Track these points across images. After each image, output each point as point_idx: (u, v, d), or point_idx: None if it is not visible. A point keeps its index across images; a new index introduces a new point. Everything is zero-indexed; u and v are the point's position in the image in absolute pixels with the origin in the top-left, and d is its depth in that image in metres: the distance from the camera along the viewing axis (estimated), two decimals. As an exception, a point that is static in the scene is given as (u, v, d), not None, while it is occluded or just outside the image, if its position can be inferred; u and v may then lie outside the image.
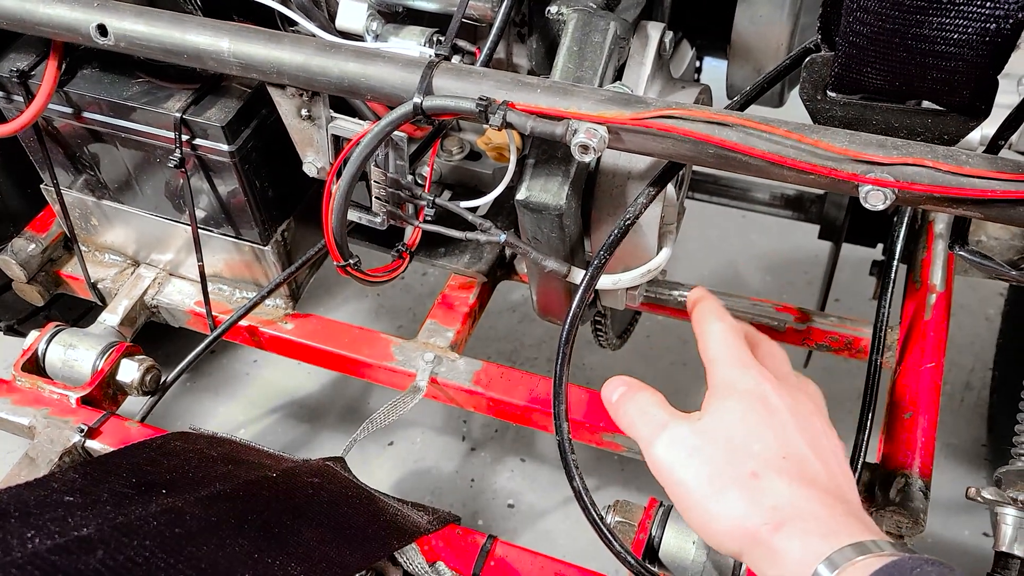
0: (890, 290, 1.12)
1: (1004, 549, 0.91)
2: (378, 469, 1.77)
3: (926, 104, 0.79)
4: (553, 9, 0.98)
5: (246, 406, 1.91)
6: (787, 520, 0.64)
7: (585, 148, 0.81)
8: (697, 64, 1.34)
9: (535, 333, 2.02)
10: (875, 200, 0.74)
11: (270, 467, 0.95)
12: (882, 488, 1.02)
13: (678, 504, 0.70)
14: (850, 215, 1.49)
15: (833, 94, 0.80)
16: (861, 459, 1.03)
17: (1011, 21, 0.66)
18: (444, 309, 1.30)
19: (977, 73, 0.71)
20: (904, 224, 1.16)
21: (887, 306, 1.11)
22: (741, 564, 0.93)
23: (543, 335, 2.01)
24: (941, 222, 1.27)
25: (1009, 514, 0.91)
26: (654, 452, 0.72)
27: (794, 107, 1.06)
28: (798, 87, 0.83)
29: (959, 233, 0.85)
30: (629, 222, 0.89)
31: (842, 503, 0.66)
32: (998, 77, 0.73)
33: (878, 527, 0.66)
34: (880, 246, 1.55)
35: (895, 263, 1.12)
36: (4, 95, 1.16)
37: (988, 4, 0.66)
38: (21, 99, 1.13)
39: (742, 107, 0.89)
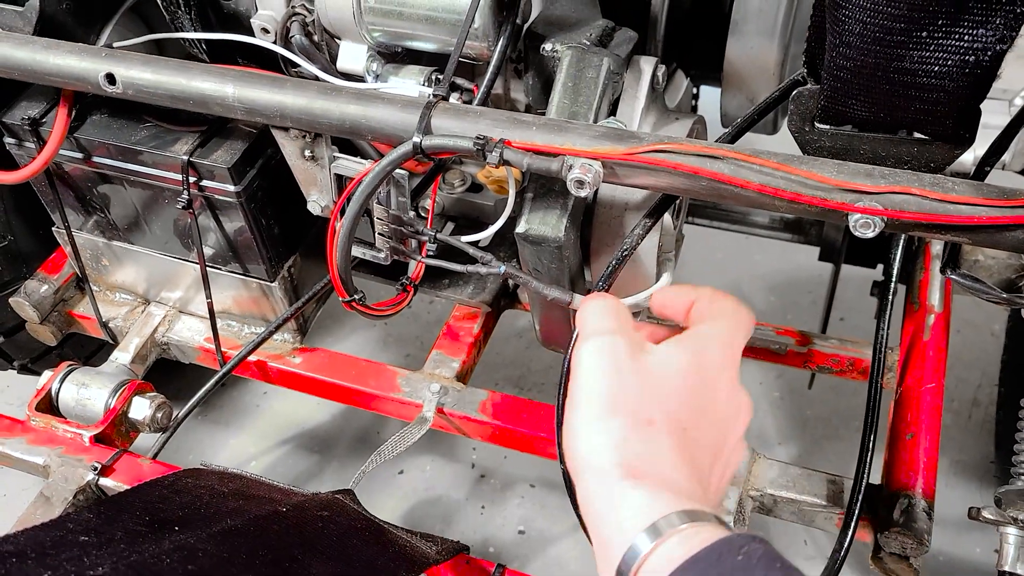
0: (888, 312, 1.13)
1: (1007, 569, 0.92)
2: (389, 498, 1.78)
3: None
4: (548, 47, 1.01)
5: (257, 438, 1.92)
6: (646, 474, 0.62)
7: (580, 183, 0.83)
8: (695, 91, 1.36)
9: (542, 359, 2.03)
10: (864, 228, 0.75)
11: (280, 501, 0.96)
12: (885, 509, 1.03)
13: (569, 404, 0.68)
14: (849, 237, 1.50)
15: (821, 125, 0.82)
16: (864, 480, 1.03)
17: (989, 53, 0.68)
18: (449, 339, 1.31)
19: (959, 103, 0.73)
20: (900, 246, 1.18)
21: (886, 327, 1.12)
22: None
23: (550, 360, 2.03)
24: (938, 243, 1.28)
25: (1011, 534, 0.92)
26: (582, 349, 0.69)
27: (788, 135, 1.08)
28: (786, 118, 0.85)
29: (951, 257, 0.86)
30: (626, 253, 0.91)
31: (703, 491, 0.65)
32: (989, 97, 0.74)
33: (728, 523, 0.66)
34: (880, 266, 1.57)
35: (893, 285, 1.14)
36: (16, 142, 1.19)
37: (967, 37, 0.68)
38: (33, 146, 1.16)
39: (734, 138, 0.91)
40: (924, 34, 0.69)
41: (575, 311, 0.83)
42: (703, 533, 0.58)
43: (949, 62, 0.70)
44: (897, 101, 0.74)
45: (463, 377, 1.28)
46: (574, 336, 0.74)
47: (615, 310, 0.74)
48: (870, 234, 0.76)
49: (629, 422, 0.65)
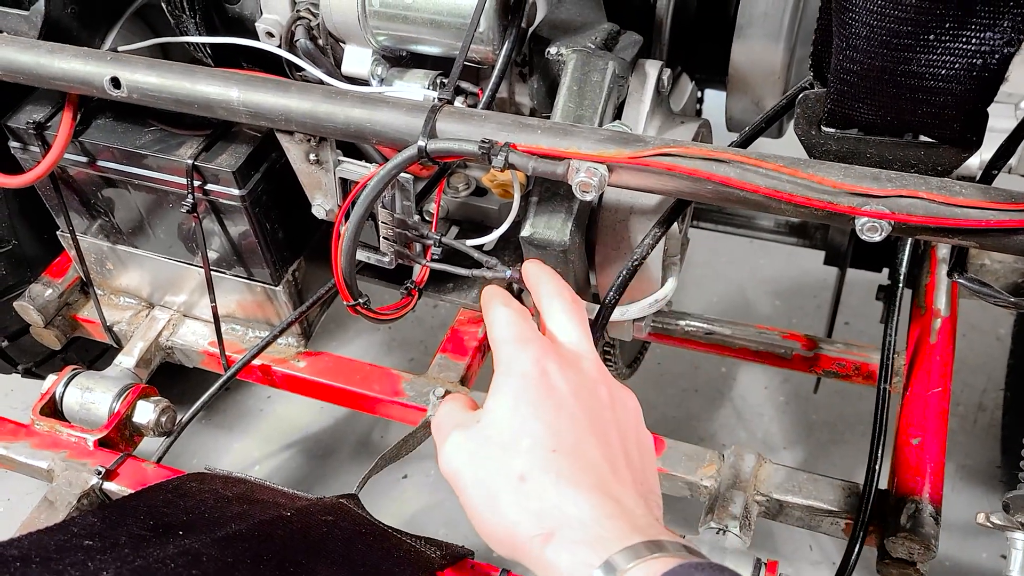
0: (895, 316, 1.13)
1: (1015, 574, 0.91)
2: (393, 502, 1.78)
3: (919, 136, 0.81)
4: (553, 50, 1.01)
5: (260, 442, 1.92)
6: (556, 529, 0.59)
7: (586, 187, 0.82)
8: (699, 94, 1.36)
9: (546, 363, 2.03)
10: (872, 232, 0.75)
11: (285, 506, 0.96)
12: (892, 515, 1.02)
13: (464, 507, 0.65)
14: (855, 241, 1.50)
15: (827, 128, 0.82)
16: (873, 486, 1.03)
17: (997, 56, 0.68)
18: (454, 344, 1.31)
19: (966, 107, 0.72)
20: (907, 250, 1.17)
21: (893, 332, 1.12)
22: (760, 570, 0.94)
23: (554, 365, 2.02)
24: (944, 247, 1.28)
25: (1019, 539, 0.91)
26: (441, 460, 0.67)
27: (794, 138, 1.08)
28: (792, 122, 0.85)
29: (958, 261, 0.86)
30: (637, 263, 0.90)
31: (613, 501, 0.61)
32: (995, 101, 0.74)
33: (660, 523, 0.62)
34: (886, 270, 1.56)
35: (899, 289, 1.13)
36: (21, 146, 1.19)
37: (974, 40, 0.68)
38: (37, 150, 1.16)
39: (744, 145, 0.91)
40: (931, 37, 0.68)
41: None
42: (654, 565, 0.55)
43: (956, 65, 0.69)
44: (904, 104, 0.73)
45: (467, 381, 1.28)
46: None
47: (455, 404, 0.72)
48: (877, 238, 0.75)
49: (507, 493, 0.62)
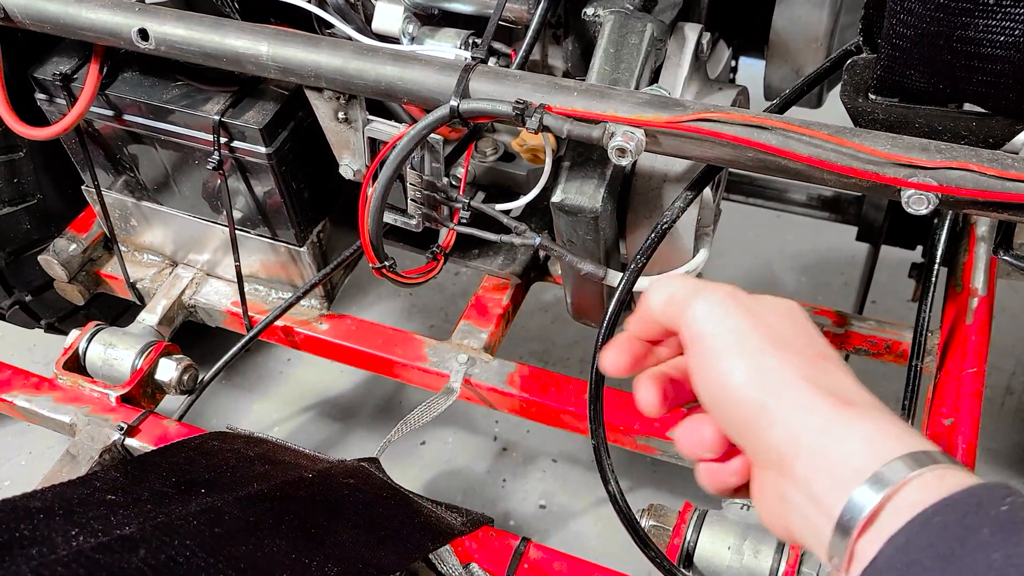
0: (931, 294, 1.10)
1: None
2: (410, 468, 1.78)
3: (969, 106, 0.78)
4: (589, 11, 0.98)
5: (280, 404, 1.92)
6: (857, 403, 0.53)
7: (622, 151, 0.80)
8: (733, 64, 1.33)
9: (567, 334, 2.01)
10: (918, 205, 0.73)
11: (306, 467, 0.95)
12: (922, 495, 1.00)
13: (710, 355, 0.56)
14: (889, 217, 1.47)
15: (875, 97, 0.79)
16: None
17: (1060, 23, 0.65)
18: (478, 310, 1.30)
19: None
20: (946, 227, 1.15)
21: (927, 310, 1.09)
22: (779, 570, 0.93)
23: (575, 336, 2.01)
24: (983, 224, 1.25)
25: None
26: (696, 305, 0.58)
27: (833, 108, 1.05)
28: (839, 89, 0.82)
29: (1004, 237, 0.83)
30: (666, 226, 0.88)
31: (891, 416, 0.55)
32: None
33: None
34: (919, 248, 1.53)
35: (936, 266, 1.10)
36: (47, 98, 1.18)
37: (1037, 5, 0.65)
38: (64, 102, 1.15)
39: (781, 109, 0.88)
40: (991, 1, 0.65)
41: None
42: (947, 479, 0.48)
43: (1016, 31, 0.66)
44: (959, 72, 0.71)
45: (491, 349, 1.27)
46: (674, 309, 0.61)
47: (695, 282, 0.62)
48: (923, 211, 0.73)
49: (802, 354, 0.55)
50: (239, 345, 1.24)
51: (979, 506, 0.46)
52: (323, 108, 1.02)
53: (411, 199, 1.03)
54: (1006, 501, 0.46)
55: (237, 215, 1.23)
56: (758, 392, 0.54)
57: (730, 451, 0.61)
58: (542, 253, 1.35)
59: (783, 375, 0.54)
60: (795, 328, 0.58)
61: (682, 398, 0.64)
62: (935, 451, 0.50)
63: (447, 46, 1.00)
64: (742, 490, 0.62)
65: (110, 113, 1.16)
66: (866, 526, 0.48)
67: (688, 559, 0.96)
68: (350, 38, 0.99)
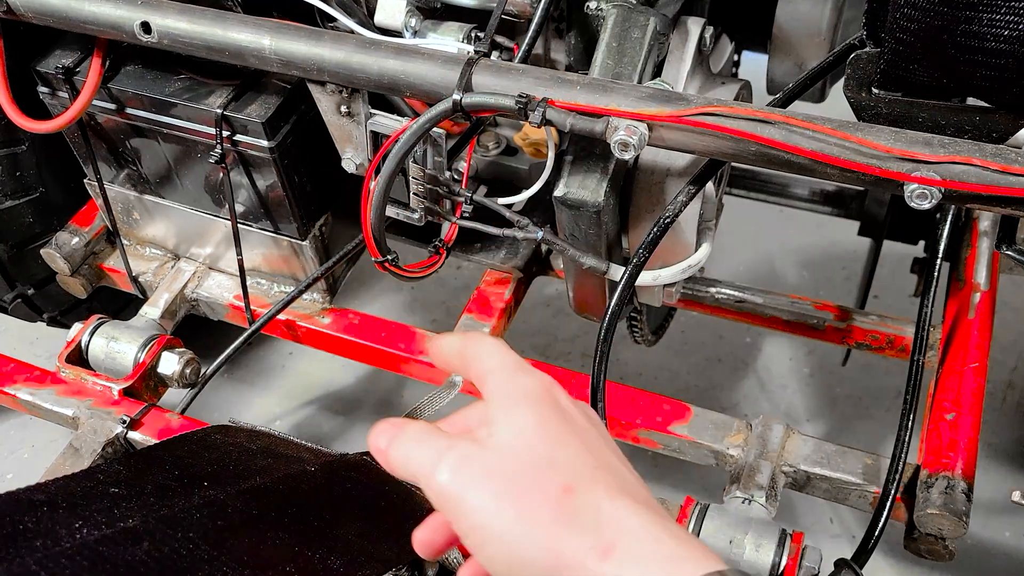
0: (933, 289, 1.10)
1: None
2: (412, 462, 1.78)
3: (973, 101, 0.78)
4: (592, 4, 0.98)
5: (282, 398, 1.93)
6: (616, 542, 0.52)
7: (625, 145, 0.80)
8: (736, 58, 1.33)
9: (569, 328, 2.02)
10: (921, 199, 0.73)
11: (309, 461, 0.96)
12: (924, 490, 1.01)
13: (472, 538, 0.55)
14: (892, 211, 1.47)
15: (878, 91, 0.79)
16: (903, 459, 1.01)
17: (1065, 17, 0.65)
18: (480, 305, 1.30)
19: (1028, 70, 0.69)
20: (948, 221, 1.14)
21: (930, 305, 1.09)
22: (780, 564, 0.93)
23: (577, 330, 2.01)
24: (986, 219, 1.24)
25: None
26: (438, 479, 0.55)
27: (836, 102, 1.05)
28: (842, 83, 0.82)
29: (1006, 232, 0.83)
30: (669, 220, 0.88)
31: (665, 520, 0.54)
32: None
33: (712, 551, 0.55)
34: (922, 243, 1.53)
35: (939, 261, 1.10)
36: (50, 91, 1.18)
37: (1041, 0, 0.65)
38: (66, 95, 1.15)
39: (784, 104, 0.88)
40: (996, -5, 0.65)
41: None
42: None
43: (1021, 26, 0.66)
44: (962, 66, 0.70)
45: (493, 342, 1.26)
46: (420, 483, 0.58)
47: (423, 430, 0.60)
48: (926, 205, 0.73)
49: (550, 505, 0.53)
50: (241, 339, 1.24)
51: None
52: (325, 102, 1.02)
53: (413, 193, 1.03)
54: None
55: (239, 209, 1.23)
56: (531, 572, 0.53)
57: None
58: (544, 247, 1.35)
59: (543, 545, 0.52)
60: (533, 456, 0.56)
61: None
62: (717, 573, 0.49)
63: (450, 40, 1.00)
64: None
65: (112, 106, 1.16)
66: None
67: (690, 553, 0.96)
68: (353, 32, 0.99)
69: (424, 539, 0.63)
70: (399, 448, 0.59)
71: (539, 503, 0.53)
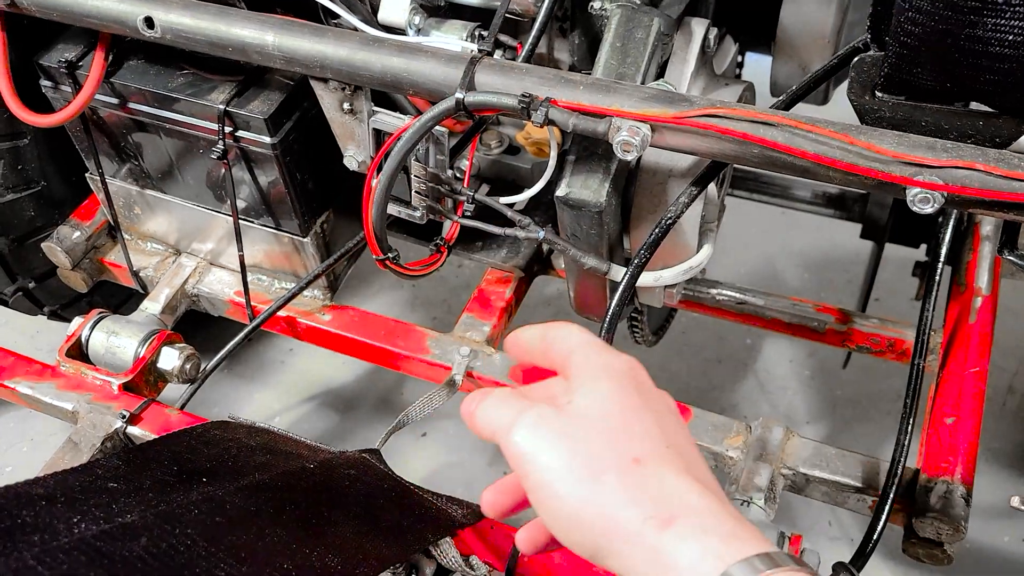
0: (934, 292, 1.10)
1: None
2: (411, 460, 1.78)
3: (976, 106, 0.78)
4: (596, 4, 0.98)
5: (281, 394, 1.93)
6: (678, 515, 0.53)
7: (628, 146, 0.80)
8: (739, 60, 1.32)
9: (569, 327, 2.02)
10: (924, 203, 0.73)
11: (308, 458, 0.96)
12: (923, 494, 1.00)
13: (538, 495, 0.57)
14: (894, 215, 1.47)
15: (882, 94, 0.79)
16: (902, 463, 1.01)
17: (1070, 22, 0.65)
18: (481, 303, 1.30)
19: (1032, 75, 0.69)
20: (950, 226, 1.14)
21: (931, 309, 1.09)
22: (784, 544, 0.93)
23: (577, 329, 2.01)
24: (988, 224, 1.24)
25: (1054, 524, 0.90)
26: (514, 436, 0.58)
27: (838, 105, 1.04)
28: (846, 86, 0.82)
29: (1008, 237, 0.83)
30: (670, 221, 0.88)
31: (729, 505, 0.56)
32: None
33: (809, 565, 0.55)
34: (924, 246, 1.53)
35: (940, 265, 1.10)
36: (52, 85, 1.18)
37: (1046, 5, 0.65)
38: (69, 89, 1.15)
39: (788, 106, 0.88)
40: (1001, 0, 0.65)
41: (556, 342, 0.70)
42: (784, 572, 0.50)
43: (1026, 31, 0.66)
44: (966, 71, 0.70)
45: (493, 342, 1.27)
46: (506, 432, 0.61)
47: (506, 393, 0.63)
48: (929, 209, 0.73)
49: (617, 472, 0.55)
50: (242, 335, 1.24)
51: None
52: (328, 99, 1.02)
53: (415, 191, 1.03)
54: None
55: (241, 205, 1.23)
56: (587, 534, 0.55)
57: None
58: (545, 247, 1.34)
59: (603, 509, 0.54)
60: (608, 425, 0.58)
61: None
62: (775, 552, 0.51)
63: (453, 38, 1.00)
64: None
65: (115, 101, 1.16)
66: None
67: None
68: (356, 29, 0.99)
69: (491, 500, 0.67)
70: (483, 409, 0.63)
71: (606, 469, 0.56)
